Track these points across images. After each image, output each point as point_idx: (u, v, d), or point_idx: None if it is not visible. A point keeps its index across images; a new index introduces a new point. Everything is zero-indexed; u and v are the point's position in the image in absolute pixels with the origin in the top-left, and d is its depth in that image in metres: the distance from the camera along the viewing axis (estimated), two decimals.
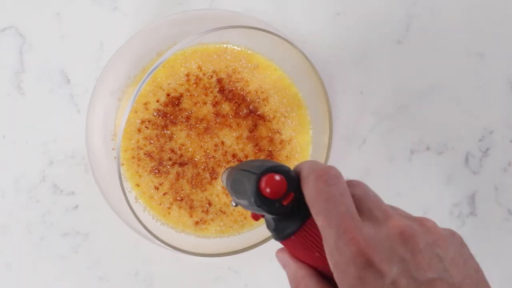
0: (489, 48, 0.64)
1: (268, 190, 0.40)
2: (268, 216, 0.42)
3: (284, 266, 0.44)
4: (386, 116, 0.63)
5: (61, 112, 0.61)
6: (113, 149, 0.54)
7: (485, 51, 0.64)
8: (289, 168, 0.41)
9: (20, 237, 0.60)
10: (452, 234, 0.42)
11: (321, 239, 0.41)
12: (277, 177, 0.40)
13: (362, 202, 0.41)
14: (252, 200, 0.41)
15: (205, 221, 0.56)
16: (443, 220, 0.64)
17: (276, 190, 0.40)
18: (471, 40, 0.64)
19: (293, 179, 0.41)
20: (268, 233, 0.55)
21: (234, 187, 0.44)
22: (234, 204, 0.46)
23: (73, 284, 0.61)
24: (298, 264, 0.43)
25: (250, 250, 0.55)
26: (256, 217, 0.43)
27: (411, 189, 0.64)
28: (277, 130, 0.57)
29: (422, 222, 0.41)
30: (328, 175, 0.40)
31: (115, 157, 0.53)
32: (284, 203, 0.40)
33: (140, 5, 0.61)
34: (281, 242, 0.43)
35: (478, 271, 0.41)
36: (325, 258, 0.41)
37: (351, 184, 0.43)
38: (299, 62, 0.55)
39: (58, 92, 0.61)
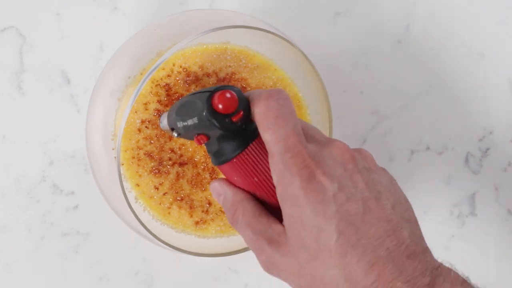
0: (489, 48, 0.64)
1: (220, 105, 0.42)
2: (213, 139, 0.45)
3: (219, 195, 0.46)
4: (386, 116, 0.63)
5: (61, 112, 0.61)
6: (113, 149, 0.55)
7: (485, 51, 0.64)
8: (240, 89, 0.44)
9: (20, 237, 0.60)
10: (384, 169, 0.45)
11: (261, 163, 0.44)
12: (229, 94, 0.43)
13: (305, 130, 0.44)
14: (204, 114, 0.43)
15: (205, 221, 0.57)
16: (443, 220, 0.64)
17: (228, 104, 0.42)
18: (471, 40, 0.64)
19: (243, 99, 0.43)
20: None
21: (182, 111, 0.46)
22: (175, 135, 0.49)
23: (73, 284, 0.61)
24: (235, 189, 0.45)
25: (250, 250, 0.55)
26: (199, 141, 0.45)
27: (411, 189, 0.64)
28: None
29: (360, 151, 0.44)
30: (279, 95, 0.43)
31: (115, 157, 0.53)
32: (234, 119, 0.43)
33: (140, 5, 0.61)
34: (219, 167, 0.45)
35: (406, 200, 0.43)
36: (263, 183, 0.44)
37: None
38: (299, 62, 0.55)
39: (58, 92, 0.61)
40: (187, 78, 0.56)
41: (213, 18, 0.57)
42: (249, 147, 0.44)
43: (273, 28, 0.56)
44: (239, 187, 0.45)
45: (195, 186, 0.56)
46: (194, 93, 0.46)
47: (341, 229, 0.39)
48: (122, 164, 0.55)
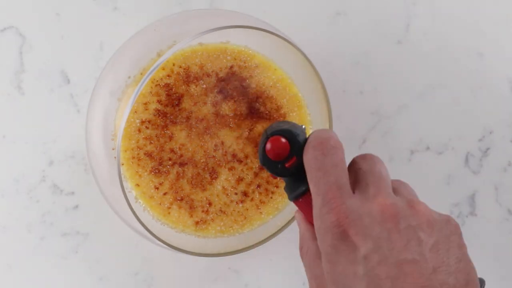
0: (489, 48, 0.64)
1: (270, 151, 0.43)
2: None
3: (298, 225, 0.46)
4: (386, 116, 0.63)
5: (61, 112, 0.61)
6: (113, 149, 0.55)
7: (485, 51, 0.64)
8: (300, 132, 0.43)
9: (20, 237, 0.60)
10: (446, 221, 0.42)
11: None
12: (282, 140, 0.42)
13: (364, 176, 0.43)
14: (259, 158, 0.44)
15: (205, 221, 0.56)
16: None
17: (278, 152, 0.42)
18: (471, 40, 0.64)
19: (299, 144, 0.43)
20: (268, 233, 0.56)
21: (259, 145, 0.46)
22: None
23: (73, 284, 0.61)
24: (306, 225, 0.45)
25: (250, 250, 0.55)
26: (274, 176, 0.45)
27: None
28: None
29: (412, 204, 0.42)
30: (326, 145, 0.42)
31: (115, 157, 0.53)
32: (286, 166, 0.43)
33: (140, 5, 0.61)
34: (293, 202, 0.45)
35: (460, 260, 0.41)
36: None
37: (363, 157, 0.44)
38: (299, 62, 0.55)
39: (58, 92, 0.61)
40: (187, 78, 0.56)
41: (213, 18, 0.57)
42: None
43: (273, 28, 0.56)
44: (311, 223, 0.45)
45: (195, 186, 0.56)
46: (265, 129, 0.45)
47: None
48: (122, 164, 0.55)
